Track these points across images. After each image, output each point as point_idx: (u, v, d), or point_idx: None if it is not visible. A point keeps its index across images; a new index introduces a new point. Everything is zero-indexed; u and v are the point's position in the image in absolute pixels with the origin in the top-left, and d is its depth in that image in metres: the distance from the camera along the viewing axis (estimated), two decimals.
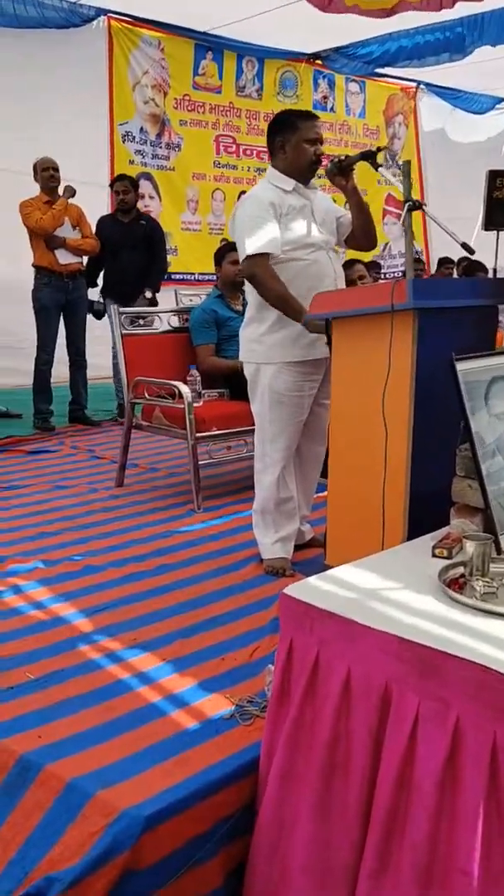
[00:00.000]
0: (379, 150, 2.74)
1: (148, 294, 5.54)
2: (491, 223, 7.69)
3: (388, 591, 1.73)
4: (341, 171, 2.81)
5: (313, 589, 1.76)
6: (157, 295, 5.66)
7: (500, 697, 1.39)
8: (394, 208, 9.17)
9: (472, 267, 7.41)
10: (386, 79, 8.84)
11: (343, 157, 2.81)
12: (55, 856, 1.65)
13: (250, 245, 2.78)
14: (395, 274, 9.05)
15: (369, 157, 2.71)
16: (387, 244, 9.12)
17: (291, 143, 2.85)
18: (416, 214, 2.61)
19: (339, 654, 1.64)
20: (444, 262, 8.46)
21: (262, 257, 2.79)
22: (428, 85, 9.16)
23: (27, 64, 6.19)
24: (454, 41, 7.06)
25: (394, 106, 9.14)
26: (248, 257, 2.80)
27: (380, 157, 2.73)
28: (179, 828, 1.69)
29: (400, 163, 9.15)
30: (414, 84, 9.19)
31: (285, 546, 3.01)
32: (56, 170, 5.37)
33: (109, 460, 4.58)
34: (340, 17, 5.94)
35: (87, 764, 1.81)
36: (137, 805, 1.66)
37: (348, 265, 5.06)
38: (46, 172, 5.34)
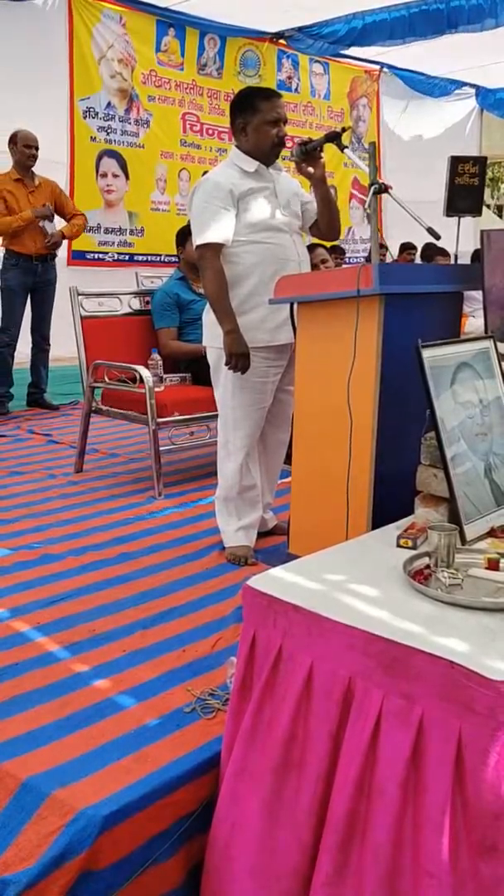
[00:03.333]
0: (344, 130, 2.68)
1: None
2: (452, 209, 7.70)
3: (352, 582, 1.70)
4: (307, 158, 2.75)
5: (277, 580, 1.72)
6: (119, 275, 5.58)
7: (465, 693, 1.37)
8: (360, 192, 9.12)
9: (432, 252, 7.41)
10: (350, 60, 8.76)
11: (307, 140, 2.75)
12: (10, 857, 1.59)
13: (200, 235, 2.75)
14: (359, 259, 9.01)
15: (334, 138, 2.66)
16: (350, 228, 9.07)
17: (252, 124, 2.79)
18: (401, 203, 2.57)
19: (303, 647, 1.60)
20: (406, 247, 8.46)
21: (210, 248, 2.75)
22: (391, 67, 9.11)
23: None
24: (421, 20, 7.01)
25: (357, 88, 9.08)
26: (198, 246, 2.77)
27: (346, 139, 2.67)
28: (138, 827, 1.64)
29: (366, 145, 9.11)
30: (377, 67, 9.13)
31: (248, 534, 2.97)
32: (38, 148, 5.18)
33: (68, 445, 4.49)
34: None
35: (44, 762, 1.76)
36: (95, 805, 1.61)
37: (309, 249, 5.02)
38: (28, 150, 5.13)
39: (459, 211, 7.67)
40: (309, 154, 2.73)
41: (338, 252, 7.68)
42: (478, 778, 1.36)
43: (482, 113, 10.46)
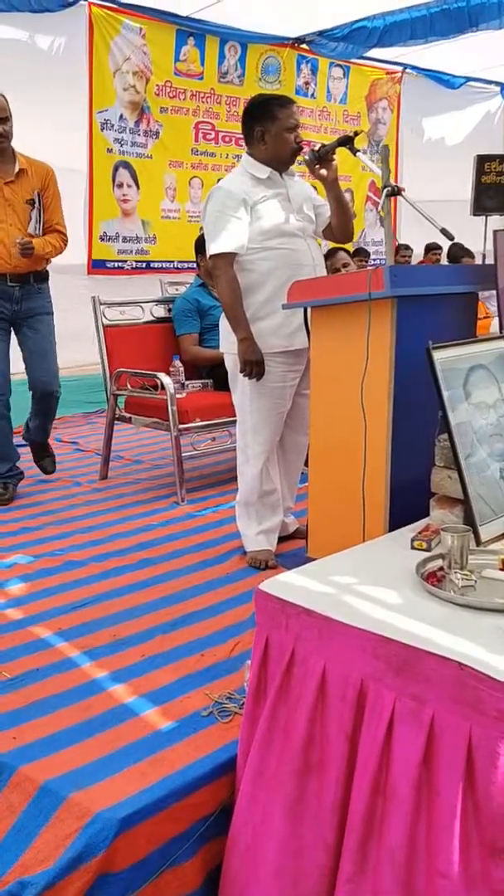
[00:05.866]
0: (356, 134, 2.69)
1: None
2: (479, 208, 7.68)
3: (364, 585, 1.70)
4: (321, 161, 2.76)
5: (289, 584, 1.72)
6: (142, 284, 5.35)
7: (475, 695, 1.36)
8: (376, 195, 9.09)
9: (458, 253, 7.37)
10: (372, 62, 8.74)
11: (321, 146, 2.76)
12: (28, 859, 1.62)
13: (214, 244, 2.77)
14: (376, 262, 8.99)
15: (346, 142, 2.67)
16: (362, 231, 9.05)
17: (271, 133, 2.80)
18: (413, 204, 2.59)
19: (314, 651, 1.61)
20: (431, 247, 8.42)
21: (224, 258, 2.77)
22: (414, 68, 9.08)
23: (3, 48, 6.09)
24: (442, 20, 6.99)
25: (377, 91, 9.05)
26: (211, 256, 2.79)
27: (361, 142, 2.69)
28: (155, 829, 1.66)
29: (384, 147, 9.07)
30: (400, 68, 9.10)
31: (269, 538, 2.98)
32: (5, 119, 3.50)
33: (93, 453, 4.54)
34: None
35: (62, 765, 1.79)
36: (112, 807, 1.64)
37: (331, 253, 5.02)
38: None
39: (487, 209, 7.64)
40: (322, 158, 2.74)
41: (362, 255, 7.66)
42: (488, 780, 1.35)
43: None
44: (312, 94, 8.35)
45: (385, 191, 2.48)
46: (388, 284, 2.11)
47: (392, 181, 2.51)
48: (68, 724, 1.94)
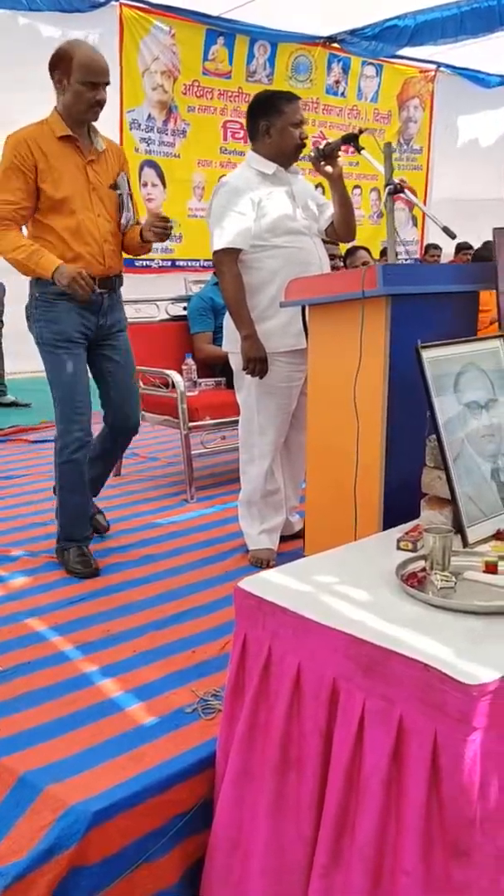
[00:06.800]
0: (361, 131, 2.67)
1: None
2: None
3: (343, 585, 1.69)
4: (325, 158, 2.75)
5: (267, 583, 1.73)
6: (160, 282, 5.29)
7: (440, 697, 1.35)
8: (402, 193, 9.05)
9: (483, 253, 7.28)
10: (405, 60, 8.68)
11: (326, 143, 2.75)
12: (3, 850, 1.63)
13: (218, 239, 2.76)
14: (404, 261, 8.93)
15: (351, 140, 2.65)
16: None
17: (277, 127, 2.79)
18: (420, 201, 2.59)
19: (290, 649, 1.60)
20: (463, 247, 8.33)
21: (228, 253, 2.76)
22: (448, 66, 9.01)
23: (35, 49, 6.16)
24: (472, 18, 6.94)
25: (409, 89, 8.99)
26: (216, 252, 2.78)
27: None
28: (131, 823, 1.67)
29: (415, 146, 9.01)
30: (433, 66, 9.03)
31: (271, 537, 2.97)
32: (106, 85, 2.71)
33: None
34: None
35: (43, 757, 1.80)
36: (86, 800, 1.65)
37: (351, 252, 5.01)
38: (92, 91, 2.66)
39: None
40: (326, 155, 2.73)
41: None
42: (452, 782, 1.34)
43: None
44: (342, 93, 8.34)
45: (387, 189, 2.47)
46: (382, 283, 2.09)
47: (417, 179, 2.49)
48: (53, 716, 1.96)
